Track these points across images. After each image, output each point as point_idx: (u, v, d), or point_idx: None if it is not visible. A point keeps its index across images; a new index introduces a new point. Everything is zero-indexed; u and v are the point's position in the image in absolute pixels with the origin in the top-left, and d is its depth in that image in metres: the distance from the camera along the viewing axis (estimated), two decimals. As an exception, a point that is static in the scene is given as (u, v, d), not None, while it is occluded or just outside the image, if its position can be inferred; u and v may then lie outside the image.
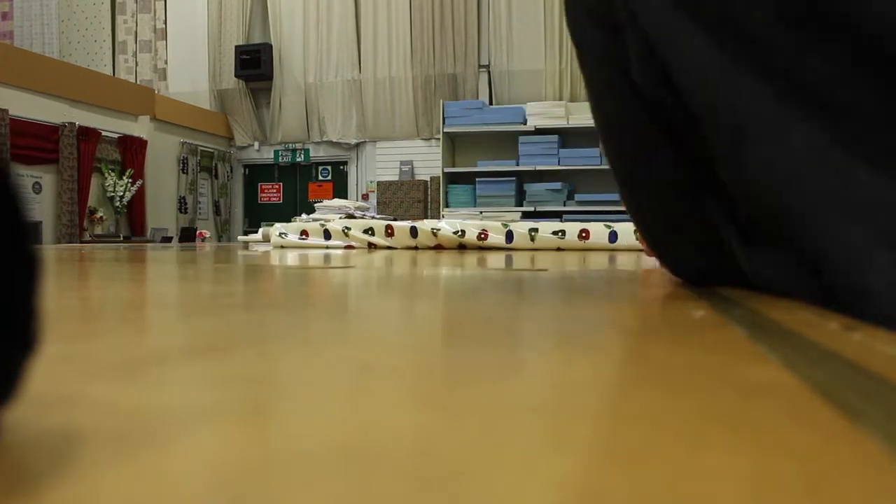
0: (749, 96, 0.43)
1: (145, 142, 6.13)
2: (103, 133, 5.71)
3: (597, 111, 0.63)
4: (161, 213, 6.29)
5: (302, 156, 6.99)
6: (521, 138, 5.53)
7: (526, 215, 5.28)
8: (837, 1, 0.37)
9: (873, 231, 0.38)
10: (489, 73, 6.32)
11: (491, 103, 6.14)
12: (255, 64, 6.81)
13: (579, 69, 0.62)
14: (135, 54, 7.44)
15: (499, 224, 1.94)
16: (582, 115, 5.46)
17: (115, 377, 0.26)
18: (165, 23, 7.33)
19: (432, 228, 1.92)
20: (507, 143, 5.73)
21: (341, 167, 6.96)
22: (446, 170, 5.68)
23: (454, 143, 5.98)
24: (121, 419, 0.20)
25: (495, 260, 1.38)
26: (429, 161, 6.37)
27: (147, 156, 6.14)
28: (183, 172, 6.62)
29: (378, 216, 2.18)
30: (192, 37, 7.19)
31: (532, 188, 5.44)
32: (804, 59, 0.39)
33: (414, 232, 1.92)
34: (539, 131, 5.50)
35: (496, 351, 0.34)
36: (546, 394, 0.25)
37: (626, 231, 1.85)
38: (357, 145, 6.80)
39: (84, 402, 0.22)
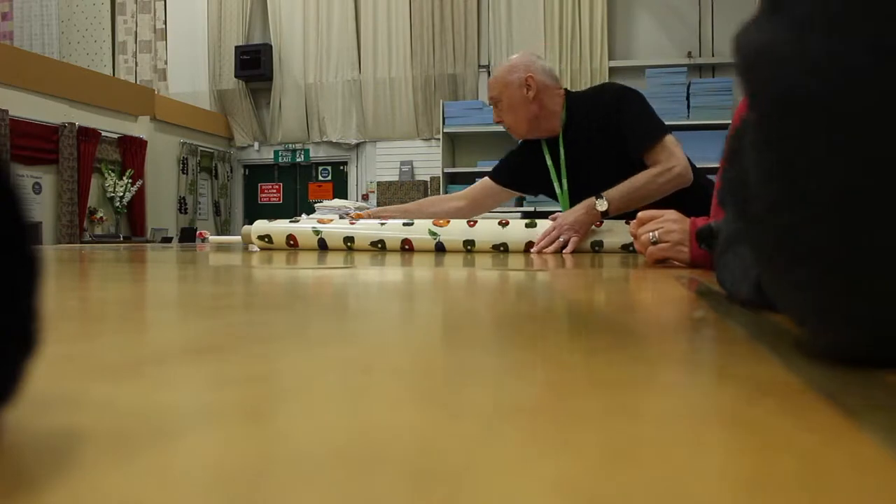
0: None
1: (145, 142, 6.12)
2: (103, 133, 5.70)
3: None
4: (161, 214, 6.28)
5: (302, 156, 6.98)
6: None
7: (526, 215, 5.27)
8: None
9: None
10: (489, 73, 6.32)
11: (491, 103, 6.14)
12: (255, 64, 6.80)
13: None
14: (135, 54, 7.43)
15: (426, 233, 1.64)
16: (582, 116, 5.45)
17: (115, 377, 0.26)
18: (165, 23, 7.32)
19: (344, 238, 1.67)
20: (507, 143, 5.71)
21: (341, 167, 6.95)
22: (446, 170, 5.68)
23: (454, 144, 5.98)
24: (121, 419, 0.20)
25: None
26: (429, 161, 6.36)
27: (147, 156, 6.13)
28: (183, 173, 6.61)
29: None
30: (192, 37, 7.17)
31: (532, 188, 5.42)
32: None
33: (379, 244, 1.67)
34: (539, 131, 5.49)
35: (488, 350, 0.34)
36: (545, 393, 0.25)
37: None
38: (357, 145, 6.79)
39: (84, 402, 0.22)
